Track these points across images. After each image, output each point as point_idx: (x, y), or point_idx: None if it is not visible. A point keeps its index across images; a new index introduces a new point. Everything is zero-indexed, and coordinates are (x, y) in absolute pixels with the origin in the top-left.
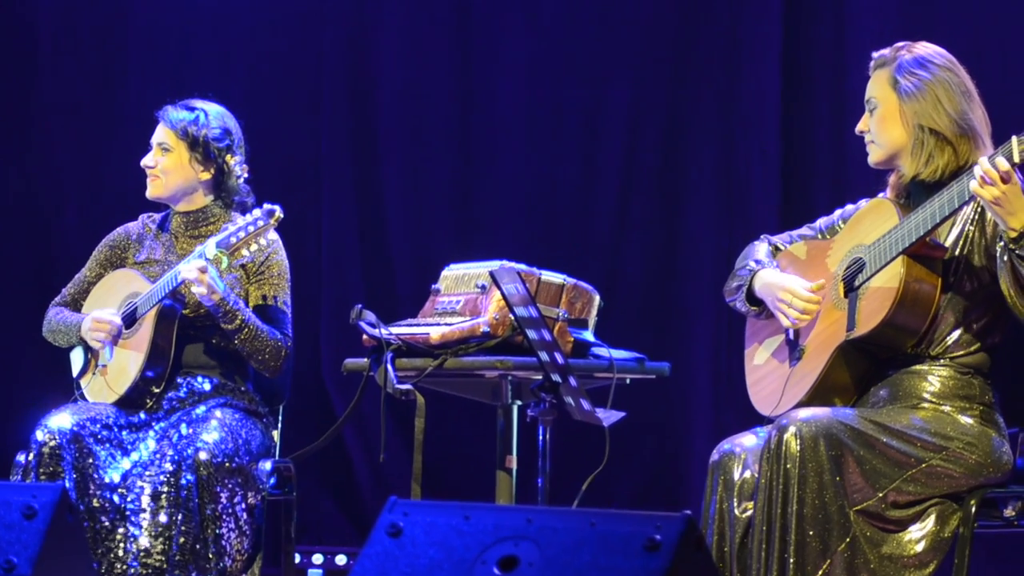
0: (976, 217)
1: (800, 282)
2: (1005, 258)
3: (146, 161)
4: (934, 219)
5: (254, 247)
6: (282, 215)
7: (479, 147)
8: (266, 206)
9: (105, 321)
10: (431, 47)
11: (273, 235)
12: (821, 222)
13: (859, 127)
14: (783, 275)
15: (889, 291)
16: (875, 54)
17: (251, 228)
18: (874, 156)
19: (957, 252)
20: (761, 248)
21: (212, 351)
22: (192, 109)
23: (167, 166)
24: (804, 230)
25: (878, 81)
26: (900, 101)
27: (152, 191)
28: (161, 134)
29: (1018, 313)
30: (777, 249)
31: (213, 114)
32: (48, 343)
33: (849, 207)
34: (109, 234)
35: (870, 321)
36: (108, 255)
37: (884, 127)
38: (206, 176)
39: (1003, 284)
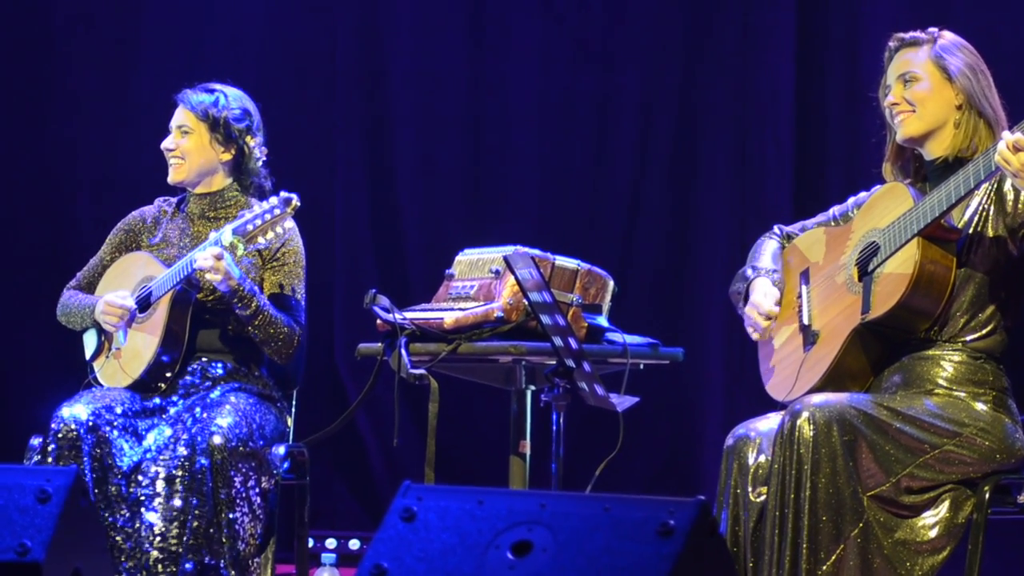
0: (990, 202)
1: (766, 298)
2: None
3: (166, 144)
4: (949, 200)
5: (270, 235)
6: (299, 203)
7: (492, 133)
8: (283, 194)
9: (118, 305)
10: (443, 34)
11: (290, 223)
12: (835, 210)
13: (892, 99)
14: (761, 288)
15: (904, 273)
16: (904, 35)
17: (268, 216)
18: (912, 128)
19: (971, 233)
20: (768, 247)
21: (226, 336)
22: (211, 91)
23: (188, 148)
24: (819, 218)
25: (915, 58)
26: (949, 79)
27: (175, 176)
28: (181, 116)
29: None
30: (789, 238)
31: (232, 96)
32: (62, 327)
33: (863, 194)
34: (124, 218)
35: (885, 303)
36: (123, 239)
37: (930, 101)
38: (227, 157)
39: None
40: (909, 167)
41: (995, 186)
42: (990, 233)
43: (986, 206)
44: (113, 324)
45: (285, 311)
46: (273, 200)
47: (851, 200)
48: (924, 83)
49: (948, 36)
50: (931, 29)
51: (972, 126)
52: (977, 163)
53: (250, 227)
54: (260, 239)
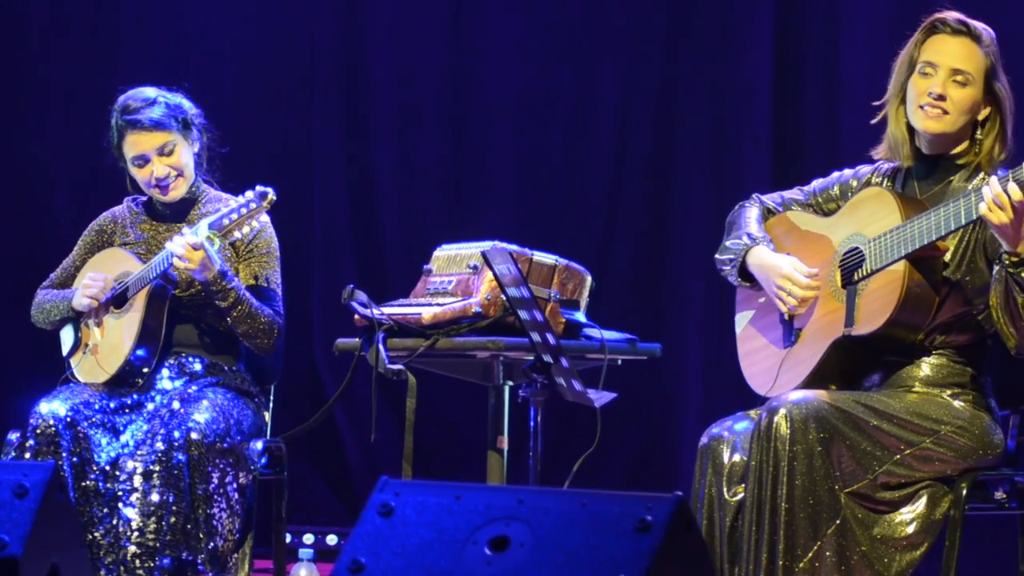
0: (977, 221)
1: (798, 266)
2: (1002, 274)
3: (157, 175)
4: (939, 230)
5: (246, 229)
6: (275, 197)
7: (471, 128)
8: (259, 188)
9: (96, 278)
10: (422, 30)
11: (265, 217)
12: (816, 184)
13: (938, 89)
14: (779, 257)
15: (891, 294)
16: (971, 21)
17: (243, 210)
18: (939, 127)
19: (960, 252)
20: (752, 214)
21: (203, 331)
22: (152, 100)
23: (182, 162)
24: (795, 193)
25: (974, 57)
26: (991, 96)
27: (176, 193)
28: (154, 139)
29: (1000, 330)
30: (769, 212)
31: (168, 96)
32: (37, 332)
33: (847, 171)
34: (96, 219)
35: (871, 323)
36: (95, 240)
37: (966, 112)
38: (195, 150)
39: (993, 298)
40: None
41: None
42: (977, 252)
43: (972, 227)
44: (92, 296)
45: (264, 302)
46: (249, 194)
47: (835, 175)
48: (971, 91)
49: (996, 44)
50: (988, 29)
51: (990, 148)
52: (959, 202)
53: (226, 221)
54: (236, 233)
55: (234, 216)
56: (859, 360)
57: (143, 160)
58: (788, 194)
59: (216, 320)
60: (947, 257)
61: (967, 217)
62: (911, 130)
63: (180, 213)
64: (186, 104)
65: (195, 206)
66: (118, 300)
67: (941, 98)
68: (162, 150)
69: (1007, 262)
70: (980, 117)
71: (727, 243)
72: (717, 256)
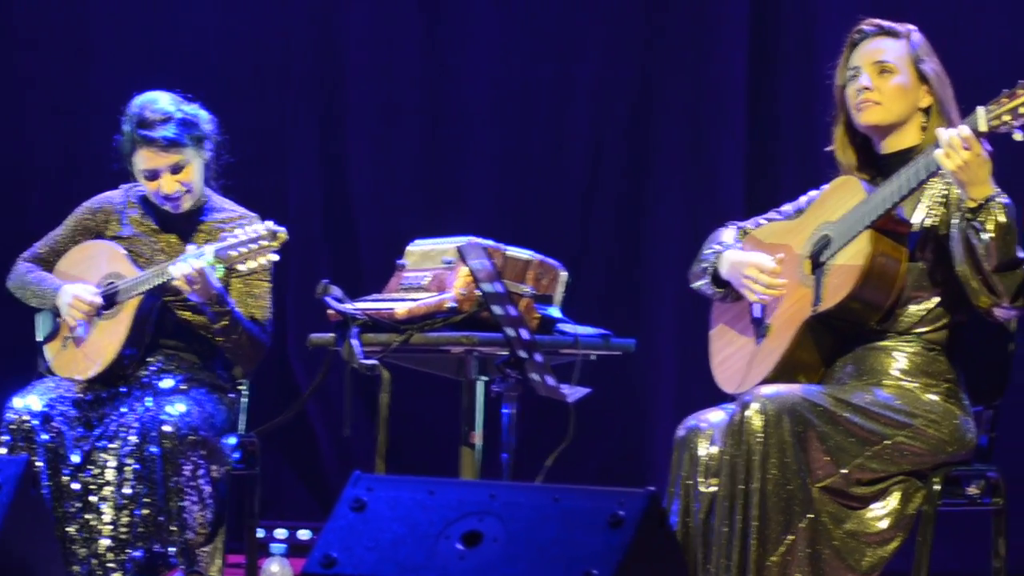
0: (943, 196)
1: (765, 258)
2: (961, 225)
3: (167, 191)
4: (900, 192)
5: (253, 264)
6: (286, 237)
7: (447, 123)
8: (270, 225)
9: (87, 302)
10: (399, 23)
11: (275, 257)
12: (788, 207)
13: (865, 82)
14: (749, 254)
15: (855, 265)
16: (882, 22)
17: (252, 245)
18: (876, 117)
19: (923, 229)
20: (728, 233)
21: (180, 328)
22: (168, 116)
23: (191, 179)
24: (771, 215)
25: (892, 49)
26: (924, 81)
27: (184, 206)
28: (168, 159)
29: (968, 290)
30: (745, 233)
31: (185, 108)
32: (9, 312)
33: (813, 192)
34: (89, 200)
35: (836, 295)
36: (87, 223)
37: (901, 98)
38: (204, 161)
39: (954, 253)
40: (859, 148)
41: (946, 183)
42: (942, 229)
43: (938, 204)
44: (76, 319)
45: (255, 321)
46: (260, 228)
47: (804, 198)
48: (901, 77)
49: (920, 36)
50: (907, 25)
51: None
52: (918, 162)
53: (233, 253)
54: (240, 267)
55: (242, 249)
56: (828, 350)
57: (154, 175)
58: (764, 216)
59: (195, 321)
60: (913, 231)
61: (927, 170)
62: (859, 149)
63: (184, 224)
64: (202, 116)
65: (199, 215)
66: (107, 302)
67: (868, 89)
68: (175, 168)
69: (965, 208)
70: (923, 105)
71: (700, 256)
72: (690, 271)
